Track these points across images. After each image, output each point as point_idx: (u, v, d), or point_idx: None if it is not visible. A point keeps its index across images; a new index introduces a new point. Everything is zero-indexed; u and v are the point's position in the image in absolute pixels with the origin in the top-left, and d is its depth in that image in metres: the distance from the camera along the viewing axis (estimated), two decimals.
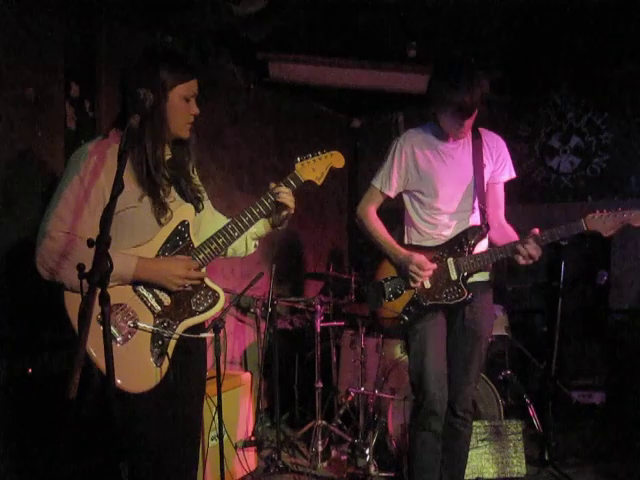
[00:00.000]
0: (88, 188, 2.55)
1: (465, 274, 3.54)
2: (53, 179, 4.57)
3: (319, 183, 3.02)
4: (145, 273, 2.60)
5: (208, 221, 2.97)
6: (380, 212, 3.85)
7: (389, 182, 3.74)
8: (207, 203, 3.00)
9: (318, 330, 5.39)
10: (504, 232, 3.66)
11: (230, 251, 3.06)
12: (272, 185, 2.89)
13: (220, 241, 2.77)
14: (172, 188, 2.78)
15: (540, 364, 5.88)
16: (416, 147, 3.68)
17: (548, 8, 5.06)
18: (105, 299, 1.92)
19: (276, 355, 5.26)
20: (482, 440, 4.77)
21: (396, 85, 6.21)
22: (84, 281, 1.90)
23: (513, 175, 3.76)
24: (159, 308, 2.66)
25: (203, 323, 2.84)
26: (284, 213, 2.94)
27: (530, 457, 4.96)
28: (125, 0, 4.73)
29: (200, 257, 2.74)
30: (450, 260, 3.56)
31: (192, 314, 2.72)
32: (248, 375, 5.01)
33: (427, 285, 3.57)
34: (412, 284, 3.57)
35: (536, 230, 3.37)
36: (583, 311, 6.30)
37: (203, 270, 2.78)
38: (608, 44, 5.71)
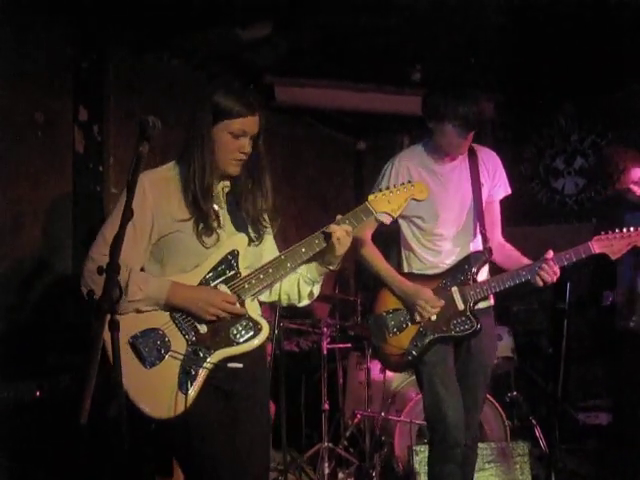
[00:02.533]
0: (135, 213, 2.48)
1: (472, 304, 3.39)
2: (62, 201, 4.61)
3: (395, 215, 2.95)
4: (178, 298, 2.58)
5: (268, 257, 2.85)
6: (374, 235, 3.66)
7: None
8: (270, 239, 2.93)
9: (325, 352, 5.39)
10: (505, 252, 3.55)
11: (284, 297, 2.94)
12: (338, 217, 2.81)
13: (270, 271, 2.71)
14: (226, 218, 2.76)
15: (546, 385, 5.86)
16: (412, 169, 3.48)
17: (552, 30, 5.11)
18: (115, 326, 1.94)
19: (282, 377, 5.26)
20: (488, 462, 4.75)
21: (401, 108, 6.26)
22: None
23: (508, 191, 3.62)
24: (194, 336, 2.61)
25: (246, 355, 2.72)
26: (334, 253, 2.79)
27: (537, 478, 4.93)
28: (133, 25, 4.79)
29: (246, 286, 2.68)
30: (455, 289, 3.40)
31: (229, 344, 2.64)
32: None
33: (433, 317, 3.39)
34: (418, 319, 3.41)
35: (551, 252, 3.29)
36: (589, 332, 6.29)
37: (249, 301, 2.72)
38: (611, 65, 5.74)
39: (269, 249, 2.90)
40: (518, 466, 4.79)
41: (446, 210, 3.47)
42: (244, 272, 2.71)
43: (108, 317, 1.96)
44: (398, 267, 3.61)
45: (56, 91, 4.60)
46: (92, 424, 1.85)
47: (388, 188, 2.90)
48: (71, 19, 4.61)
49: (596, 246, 3.28)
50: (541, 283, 3.29)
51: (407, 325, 3.45)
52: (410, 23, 5.05)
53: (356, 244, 3.54)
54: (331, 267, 2.86)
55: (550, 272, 3.26)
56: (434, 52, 5.50)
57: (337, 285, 6.82)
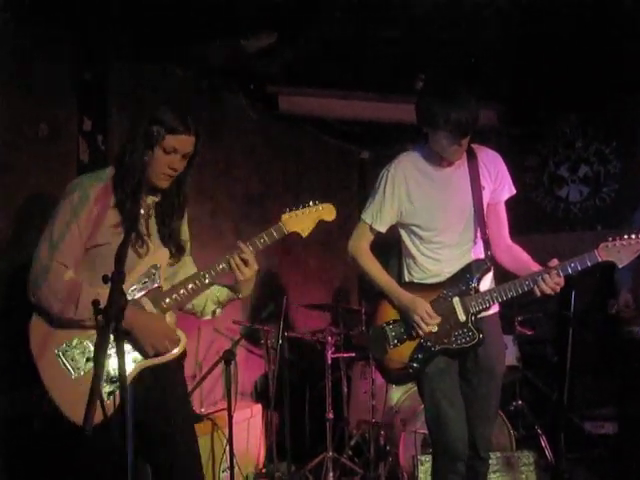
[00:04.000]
0: (82, 223, 2.70)
1: (474, 315, 3.30)
2: None
3: (304, 235, 3.03)
4: (133, 323, 2.64)
5: (186, 272, 2.99)
6: (373, 244, 3.59)
7: (380, 217, 3.45)
8: (188, 257, 3.07)
9: (329, 362, 5.38)
10: (513, 254, 3.45)
11: (189, 307, 3.05)
12: (239, 243, 2.89)
13: (189, 287, 2.81)
14: (154, 230, 2.87)
15: (551, 394, 5.84)
16: (409, 176, 3.42)
17: (555, 38, 5.11)
18: (121, 333, 1.94)
19: (287, 386, 5.25)
20: (494, 472, 4.73)
21: (404, 117, 6.24)
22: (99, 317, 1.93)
23: (513, 192, 3.51)
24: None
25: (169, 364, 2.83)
26: (235, 279, 2.91)
27: None
28: (136, 36, 4.80)
29: (166, 301, 2.78)
30: (456, 300, 3.31)
31: (148, 356, 2.74)
32: (259, 407, 5.01)
33: (434, 329, 3.31)
34: (416, 334, 3.33)
35: (555, 261, 3.20)
36: (595, 340, 6.27)
37: (167, 315, 2.82)
38: (616, 73, 5.74)
39: (186, 268, 3.02)
40: (524, 476, 4.78)
41: (445, 216, 3.39)
42: (164, 285, 2.82)
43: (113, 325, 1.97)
44: (398, 277, 3.54)
45: (60, 102, 4.61)
46: (95, 434, 1.85)
47: (300, 208, 3.02)
48: (74, 30, 4.62)
49: (602, 254, 3.19)
50: (538, 293, 3.21)
51: (407, 337, 3.38)
52: (414, 33, 5.06)
53: (355, 255, 3.54)
54: (238, 295, 2.99)
55: (551, 283, 3.17)
56: (438, 62, 5.50)
57: (336, 295, 6.83)
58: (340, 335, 5.81)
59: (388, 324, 3.43)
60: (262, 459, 5.03)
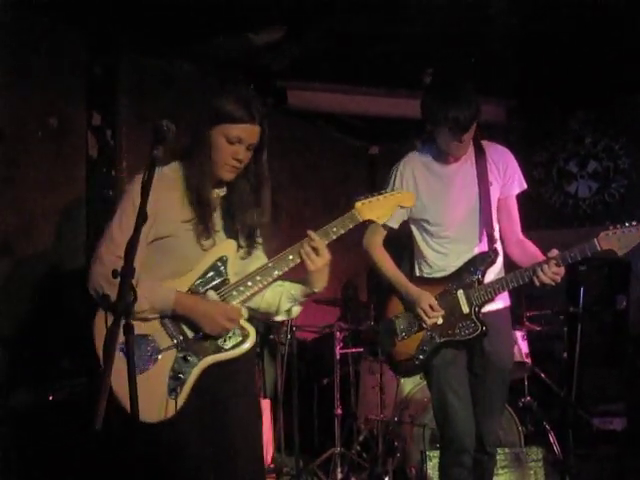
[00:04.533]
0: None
1: (477, 306, 3.33)
2: (75, 205, 4.63)
3: (380, 222, 2.93)
4: (184, 309, 2.58)
5: (258, 266, 2.82)
6: (388, 240, 3.60)
7: (392, 214, 3.40)
8: (261, 254, 2.89)
9: (337, 357, 5.38)
10: (524, 248, 3.44)
11: (264, 305, 2.92)
12: (309, 232, 2.73)
13: (258, 278, 2.69)
14: (219, 224, 2.75)
15: (560, 390, 5.83)
16: (417, 172, 3.47)
17: (564, 34, 5.10)
18: (130, 330, 1.94)
19: (295, 382, 5.25)
20: (502, 467, 4.72)
21: (413, 112, 6.22)
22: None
23: (524, 186, 3.51)
24: (183, 342, 2.61)
25: (234, 360, 2.72)
26: (307, 269, 2.74)
27: None
28: (146, 30, 4.80)
29: (234, 294, 2.68)
30: (460, 292, 3.36)
31: (217, 351, 2.65)
32: (267, 402, 5.01)
33: (439, 321, 3.35)
34: (422, 326, 3.38)
35: (555, 251, 3.19)
36: (603, 336, 6.26)
37: (242, 312, 2.72)
38: (625, 69, 5.72)
39: (258, 262, 2.85)
40: (532, 472, 4.76)
41: (452, 212, 3.44)
42: (233, 279, 2.71)
43: (123, 321, 1.96)
44: (410, 271, 3.59)
45: (69, 96, 4.63)
46: (107, 429, 1.85)
47: (374, 195, 2.87)
48: (84, 25, 4.63)
49: (602, 242, 3.18)
50: (537, 284, 3.21)
51: (415, 330, 3.42)
52: (422, 27, 5.05)
53: (367, 250, 3.57)
54: (313, 288, 2.81)
55: (549, 273, 3.17)
56: (446, 56, 5.49)
57: (344, 289, 6.82)
58: (349, 330, 5.81)
59: (397, 317, 3.47)
60: (270, 454, 5.03)
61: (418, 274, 3.57)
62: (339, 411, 5.29)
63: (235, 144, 2.63)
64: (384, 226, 3.48)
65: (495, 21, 4.92)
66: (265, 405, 4.96)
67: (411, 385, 5.41)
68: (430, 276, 3.50)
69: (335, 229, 2.76)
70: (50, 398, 3.80)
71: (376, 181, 8.06)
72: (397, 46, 5.35)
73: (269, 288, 2.88)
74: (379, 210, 2.84)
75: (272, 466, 4.93)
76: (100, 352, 2.51)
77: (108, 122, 4.88)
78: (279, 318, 2.98)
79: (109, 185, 4.87)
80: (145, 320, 2.57)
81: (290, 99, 6.02)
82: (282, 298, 2.88)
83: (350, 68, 5.80)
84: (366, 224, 3.31)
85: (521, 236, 3.52)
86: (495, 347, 3.41)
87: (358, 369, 5.89)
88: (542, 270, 3.18)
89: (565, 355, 5.83)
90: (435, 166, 3.47)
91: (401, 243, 3.69)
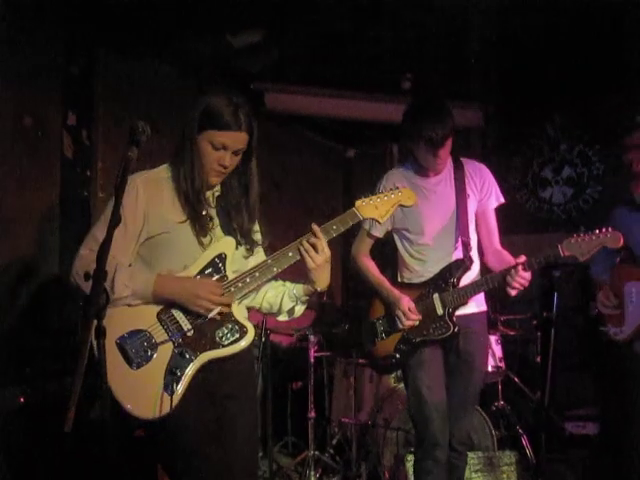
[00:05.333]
0: (126, 212, 2.59)
1: (451, 308, 3.54)
2: (50, 206, 4.59)
3: (381, 221, 2.96)
4: (165, 290, 2.60)
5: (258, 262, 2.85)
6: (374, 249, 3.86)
7: (374, 223, 3.57)
8: (260, 251, 2.92)
9: (312, 360, 5.38)
10: (500, 257, 3.64)
11: (266, 305, 2.94)
12: (314, 226, 2.76)
13: (257, 274, 2.70)
14: (215, 222, 2.78)
15: (533, 395, 5.86)
16: (398, 185, 3.45)
17: (541, 40, 5.13)
18: (101, 332, 1.93)
19: (269, 385, 5.24)
20: (476, 471, 4.75)
21: (391, 116, 6.25)
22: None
23: (502, 200, 3.74)
24: (180, 338, 2.63)
25: (235, 357, 2.73)
26: (306, 266, 2.74)
27: None
28: (123, 30, 4.78)
29: (232, 290, 2.68)
30: (436, 296, 3.57)
31: (215, 347, 2.66)
32: None
33: (416, 323, 3.58)
34: (400, 327, 3.60)
35: (523, 257, 3.36)
36: (576, 341, 6.30)
37: (235, 304, 2.72)
38: (600, 75, 5.76)
39: (259, 259, 2.87)
40: (505, 475, 4.80)
41: (430, 221, 3.65)
42: (231, 276, 2.72)
43: (95, 323, 1.95)
44: (393, 277, 3.80)
45: (45, 95, 4.59)
46: (77, 431, 1.83)
47: (375, 194, 2.94)
48: (60, 24, 4.60)
49: (565, 249, 3.34)
50: (511, 290, 3.37)
51: (394, 330, 3.64)
52: (401, 32, 5.07)
53: (355, 257, 3.86)
54: (315, 286, 2.81)
55: (518, 278, 3.33)
56: (424, 61, 5.51)
57: (319, 293, 6.80)
58: (323, 333, 5.81)
59: (378, 319, 3.73)
60: None
61: (400, 280, 3.80)
62: (313, 414, 5.29)
63: (220, 150, 2.66)
64: (370, 235, 3.78)
65: (472, 26, 4.95)
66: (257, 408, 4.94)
67: (385, 389, 5.42)
68: (410, 281, 3.73)
69: (335, 227, 2.79)
70: (21, 400, 3.77)
71: (352, 184, 8.07)
72: (375, 50, 5.37)
73: (270, 288, 2.92)
74: (380, 209, 2.90)
75: None
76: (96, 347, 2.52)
77: (84, 122, 4.86)
78: (281, 318, 2.98)
79: (84, 185, 4.84)
80: (138, 314, 2.60)
81: (267, 102, 6.02)
82: (284, 298, 2.90)
83: (328, 71, 5.81)
84: (355, 232, 3.50)
85: (499, 246, 3.73)
86: (468, 348, 3.62)
87: (332, 372, 5.89)
88: (510, 275, 3.36)
89: (539, 359, 5.87)
90: (416, 179, 3.69)
91: (385, 252, 3.97)
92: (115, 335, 2.54)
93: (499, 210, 3.79)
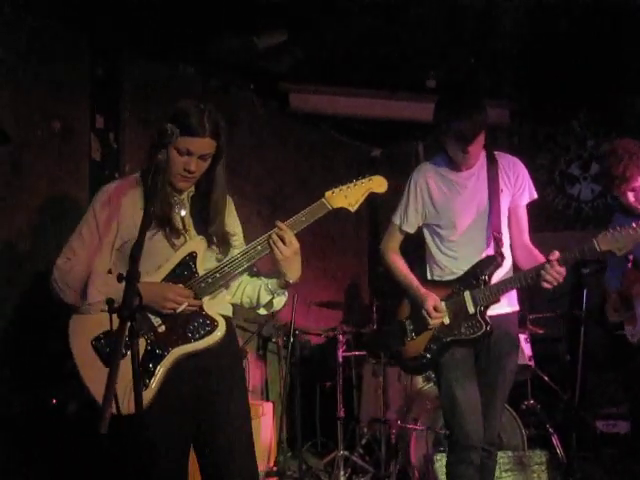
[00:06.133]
0: (100, 221, 2.73)
1: (482, 307, 3.44)
2: (78, 209, 4.63)
3: (352, 210, 2.92)
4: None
5: None
6: (404, 245, 3.78)
7: (407, 218, 3.66)
8: (240, 248, 2.93)
9: (340, 360, 5.38)
10: (529, 253, 3.55)
11: (246, 300, 3.00)
12: (277, 222, 2.79)
13: (226, 270, 2.75)
14: (189, 222, 2.84)
15: (563, 393, 5.82)
16: (430, 180, 3.61)
17: (567, 36, 5.10)
18: (134, 333, 1.95)
19: (298, 384, 5.25)
20: (506, 471, 4.73)
21: (415, 115, 6.25)
22: (114, 315, 1.93)
23: (534, 196, 3.63)
24: (152, 335, 2.69)
25: (212, 352, 2.77)
26: (275, 258, 2.77)
27: None
28: (149, 33, 4.81)
29: (202, 285, 2.73)
30: (467, 293, 3.47)
31: (186, 341, 2.70)
32: (270, 405, 5.01)
33: (446, 321, 3.48)
34: (427, 326, 3.51)
35: (556, 252, 3.26)
36: (606, 339, 6.24)
37: (206, 299, 2.77)
38: (628, 71, 5.71)
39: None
40: (535, 475, 4.77)
41: (462, 217, 3.55)
42: (200, 272, 2.77)
43: (128, 325, 1.97)
44: (423, 275, 3.71)
45: (73, 99, 4.63)
46: (111, 432, 1.85)
47: (344, 184, 2.95)
48: (87, 28, 4.64)
49: (601, 243, 3.24)
50: (548, 285, 3.27)
51: (423, 330, 3.54)
52: (425, 30, 5.06)
53: (384, 253, 3.77)
54: (286, 278, 2.84)
55: (553, 273, 3.24)
56: (449, 59, 5.49)
57: (347, 292, 6.81)
58: (351, 333, 5.81)
59: (407, 318, 3.63)
60: (273, 457, 5.03)
61: (430, 277, 3.69)
62: (342, 414, 5.30)
63: (184, 155, 2.68)
64: (400, 231, 3.70)
65: (499, 23, 4.92)
66: (268, 408, 4.96)
67: (414, 389, 5.41)
68: (441, 279, 3.62)
69: (304, 218, 2.82)
70: (53, 402, 3.80)
71: None
72: (399, 48, 5.35)
73: (249, 283, 2.98)
74: (350, 197, 2.90)
75: (275, 469, 4.93)
76: (76, 354, 2.65)
77: (111, 125, 4.89)
78: (262, 312, 3.03)
79: None
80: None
81: (292, 102, 6.03)
82: (260, 291, 2.94)
83: (352, 70, 5.81)
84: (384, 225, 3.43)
85: (528, 243, 3.62)
86: (500, 348, 3.52)
87: (361, 372, 5.89)
88: (545, 270, 3.26)
89: (568, 358, 5.83)
90: (447, 173, 3.61)
91: (416, 248, 3.82)
92: (91, 337, 2.63)
93: (527, 207, 3.67)
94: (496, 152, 3.63)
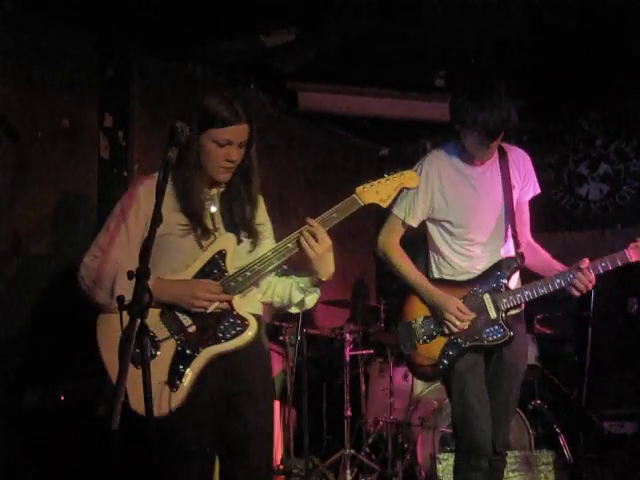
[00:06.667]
0: (129, 218, 2.68)
1: (504, 312, 3.29)
2: (86, 207, 4.64)
3: (384, 205, 2.83)
4: (163, 294, 2.60)
5: None
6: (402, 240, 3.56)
7: (413, 211, 3.41)
8: (269, 243, 2.89)
9: (347, 359, 5.38)
10: (535, 252, 3.46)
11: (277, 299, 2.93)
12: (308, 219, 2.72)
13: (256, 268, 2.69)
14: (219, 219, 2.80)
15: (570, 393, 5.82)
16: (442, 172, 3.39)
17: (576, 34, 5.09)
18: (145, 330, 1.95)
19: (305, 383, 5.25)
20: (513, 471, 4.71)
21: (424, 114, 6.25)
22: (124, 312, 1.93)
23: (538, 191, 3.53)
24: (183, 335, 2.64)
25: (242, 353, 2.72)
26: (307, 256, 2.72)
27: None
28: (158, 32, 4.82)
29: (232, 284, 2.68)
30: (487, 297, 3.31)
31: (217, 341, 2.65)
32: (277, 403, 5.01)
33: (466, 326, 3.30)
34: (447, 331, 3.31)
35: (586, 260, 3.20)
36: (613, 339, 6.24)
37: (237, 298, 2.71)
38: (637, 70, 5.70)
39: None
40: (542, 475, 4.76)
41: (477, 214, 3.38)
42: (232, 272, 2.72)
43: (138, 322, 1.98)
44: (426, 272, 3.53)
45: (82, 97, 4.64)
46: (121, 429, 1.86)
47: (375, 179, 2.82)
48: (97, 26, 4.65)
49: (633, 253, 3.18)
50: (577, 293, 3.22)
51: (438, 334, 3.36)
52: (433, 29, 5.05)
53: (385, 250, 3.51)
54: (319, 276, 2.79)
55: (585, 281, 3.18)
56: (458, 58, 5.48)
57: (354, 291, 6.80)
58: (358, 332, 5.81)
59: (416, 320, 3.41)
60: (280, 456, 5.03)
61: (437, 276, 3.50)
62: (349, 413, 5.29)
63: (225, 146, 2.66)
64: (403, 224, 3.46)
65: (508, 22, 4.91)
66: (274, 406, 4.96)
67: (421, 387, 5.41)
68: (452, 278, 3.44)
69: (335, 214, 2.75)
70: (62, 398, 3.81)
71: None
72: (408, 47, 5.35)
73: (279, 282, 2.91)
74: (382, 193, 2.80)
75: (281, 467, 4.93)
76: (104, 352, 2.63)
77: (120, 123, 4.90)
78: (294, 310, 2.96)
79: (121, 186, 4.88)
80: None
81: (301, 101, 6.03)
82: (292, 290, 2.88)
83: (361, 70, 5.80)
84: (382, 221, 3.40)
85: (531, 240, 3.53)
86: (512, 349, 3.39)
87: (368, 371, 5.89)
88: (578, 278, 3.19)
89: (576, 358, 5.83)
90: (461, 167, 3.41)
91: (414, 242, 3.64)
92: (118, 336, 2.54)
93: (534, 207, 3.61)
94: (503, 144, 3.43)
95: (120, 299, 2.01)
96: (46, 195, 4.39)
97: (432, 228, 3.50)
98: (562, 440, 5.36)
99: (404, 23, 4.99)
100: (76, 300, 4.37)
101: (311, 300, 2.91)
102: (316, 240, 2.67)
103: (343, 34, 5.13)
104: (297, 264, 2.89)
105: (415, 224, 3.46)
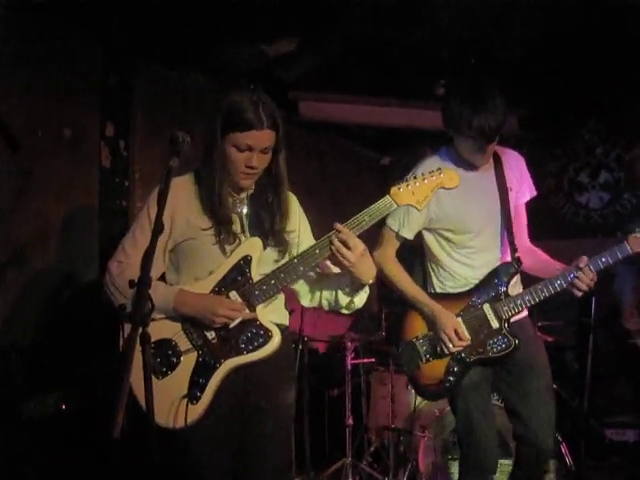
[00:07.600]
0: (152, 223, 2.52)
1: (506, 320, 3.18)
2: (88, 216, 4.65)
3: (420, 208, 2.69)
4: (184, 307, 2.55)
5: None
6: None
7: (407, 223, 3.29)
8: (294, 251, 2.78)
9: (349, 367, 5.37)
10: (535, 256, 3.39)
11: (325, 303, 2.81)
12: (337, 225, 2.59)
13: (282, 276, 2.60)
14: (246, 223, 2.70)
15: (572, 401, 5.81)
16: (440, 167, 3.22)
17: (577, 43, 5.10)
18: (146, 339, 1.95)
19: (306, 392, 5.24)
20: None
21: (425, 123, 6.26)
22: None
23: (534, 193, 3.45)
24: (204, 346, 2.58)
25: (264, 365, 2.64)
26: (347, 269, 2.60)
27: None
28: (160, 41, 4.83)
29: (256, 293, 2.59)
30: (487, 307, 3.20)
31: (239, 353, 2.57)
32: None
33: (458, 349, 3.19)
34: (447, 351, 3.20)
35: (584, 258, 3.12)
36: (615, 347, 6.23)
37: (260, 307, 2.62)
38: (637, 79, 5.71)
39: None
40: None
41: (475, 220, 3.28)
42: (257, 278, 2.63)
43: (140, 330, 1.98)
44: (425, 285, 3.44)
45: (84, 107, 4.66)
46: (123, 437, 1.86)
47: (415, 177, 2.65)
48: (99, 36, 4.67)
49: (634, 245, 3.11)
50: (579, 293, 3.15)
51: (440, 353, 3.24)
52: (434, 38, 5.07)
53: (381, 264, 3.34)
54: (362, 282, 2.66)
55: (586, 280, 3.11)
56: (458, 67, 5.50)
57: None
58: (360, 340, 5.80)
59: (418, 339, 3.30)
60: None
61: (438, 287, 3.40)
62: (350, 421, 5.28)
63: (245, 151, 2.56)
64: (398, 237, 3.34)
65: (508, 31, 4.92)
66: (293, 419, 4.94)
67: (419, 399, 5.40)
68: (454, 290, 3.34)
69: (367, 218, 2.64)
70: (63, 407, 3.81)
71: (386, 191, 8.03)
72: (409, 56, 5.36)
73: (324, 287, 2.81)
74: (418, 194, 2.65)
75: None
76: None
77: (121, 133, 4.91)
78: (345, 311, 2.83)
79: (122, 195, 4.90)
80: (163, 323, 2.57)
81: (302, 110, 6.04)
82: (337, 294, 2.76)
83: (362, 79, 5.82)
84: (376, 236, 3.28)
85: (529, 244, 3.47)
86: (528, 351, 3.28)
87: (369, 379, 5.88)
88: (579, 278, 3.11)
89: (577, 366, 5.82)
90: (458, 171, 3.17)
91: (409, 254, 3.54)
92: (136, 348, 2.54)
93: (535, 215, 3.58)
94: (497, 147, 3.32)
95: (122, 308, 2.01)
96: (48, 204, 4.40)
97: (430, 238, 3.39)
98: (564, 448, 5.34)
99: (405, 32, 5.01)
100: (77, 308, 4.41)
101: (360, 300, 2.78)
102: (348, 248, 2.55)
103: (344, 43, 5.15)
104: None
105: (410, 236, 3.35)
